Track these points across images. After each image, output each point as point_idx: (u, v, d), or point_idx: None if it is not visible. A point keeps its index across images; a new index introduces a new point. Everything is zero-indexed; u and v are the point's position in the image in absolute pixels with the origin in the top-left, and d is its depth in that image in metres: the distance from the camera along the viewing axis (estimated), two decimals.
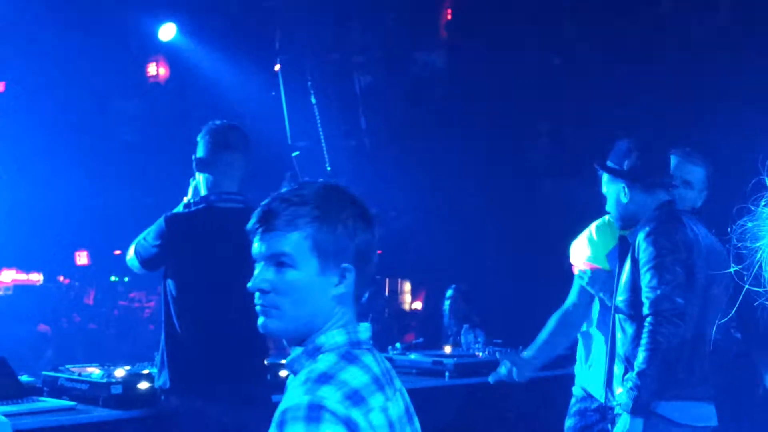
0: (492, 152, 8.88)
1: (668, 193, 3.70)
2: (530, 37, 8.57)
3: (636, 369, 3.42)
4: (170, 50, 10.24)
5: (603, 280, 4.05)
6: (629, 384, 3.43)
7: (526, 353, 4.35)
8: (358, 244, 1.83)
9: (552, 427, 4.57)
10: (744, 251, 1.13)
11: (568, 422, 4.30)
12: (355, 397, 1.69)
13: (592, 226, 4.25)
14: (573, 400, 4.33)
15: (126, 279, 12.23)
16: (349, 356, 1.77)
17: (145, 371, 4.31)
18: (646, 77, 7.51)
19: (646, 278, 3.46)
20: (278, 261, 1.81)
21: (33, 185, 10.28)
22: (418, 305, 11.24)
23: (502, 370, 4.31)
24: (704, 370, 3.51)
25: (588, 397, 4.24)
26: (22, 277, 12.76)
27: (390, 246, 8.15)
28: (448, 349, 6.12)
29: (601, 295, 4.13)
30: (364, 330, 1.84)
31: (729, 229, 1.13)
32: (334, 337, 1.80)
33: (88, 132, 10.70)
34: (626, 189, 3.71)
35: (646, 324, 3.42)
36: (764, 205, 1.14)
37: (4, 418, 3.11)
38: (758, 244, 1.13)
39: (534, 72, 8.55)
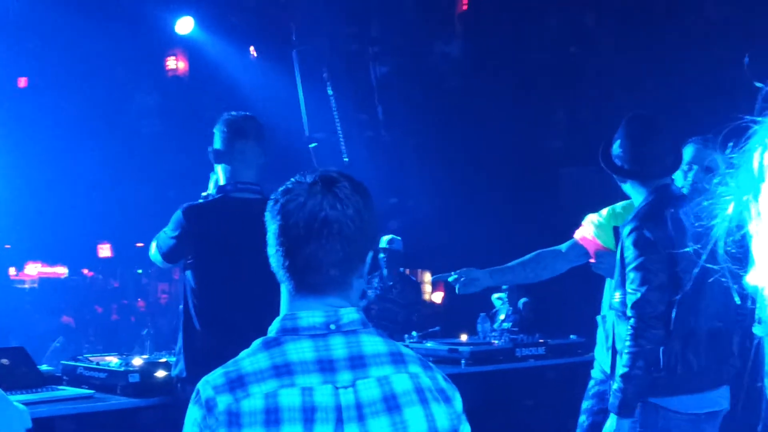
0: (509, 141, 8.87)
1: (667, 177, 3.68)
2: (546, 26, 8.56)
3: (619, 371, 3.46)
4: (188, 44, 10.30)
5: (610, 263, 4.04)
6: (615, 386, 3.47)
7: (483, 270, 4.39)
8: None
9: (569, 414, 4.58)
10: (701, 229, 1.17)
11: (585, 404, 4.29)
12: (235, 382, 1.72)
13: (615, 206, 4.22)
14: (592, 382, 4.32)
15: (150, 271, 12.35)
16: (269, 343, 1.78)
17: (162, 360, 4.37)
18: (663, 64, 7.48)
19: (629, 278, 3.48)
20: None
21: (55, 179, 10.39)
22: (438, 296, 11.27)
23: (451, 278, 4.36)
24: (701, 360, 3.49)
25: (608, 380, 4.24)
26: (48, 270, 12.94)
27: (409, 236, 8.22)
28: (464, 337, 6.15)
29: (607, 278, 4.13)
30: (307, 317, 1.80)
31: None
32: (272, 324, 1.83)
33: (109, 126, 10.80)
34: (620, 178, 3.74)
35: (628, 326, 3.44)
36: (717, 183, 1.17)
37: (22, 406, 3.16)
38: (714, 222, 1.16)
39: (550, 61, 8.53)
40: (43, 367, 4.43)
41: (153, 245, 4.22)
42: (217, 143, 4.15)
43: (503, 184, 8.86)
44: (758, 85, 1.18)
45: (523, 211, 8.64)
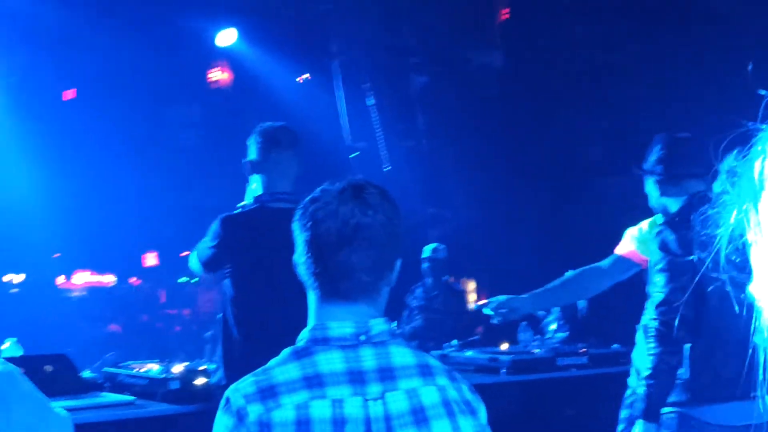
0: (550, 150, 8.83)
1: (702, 183, 3.65)
2: (586, 35, 8.51)
3: (643, 374, 3.43)
4: (232, 56, 10.41)
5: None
6: (640, 390, 3.44)
7: (522, 297, 4.32)
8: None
9: (612, 424, 4.53)
10: (704, 238, 1.17)
11: (623, 413, 4.25)
12: (266, 392, 1.73)
13: (656, 217, 4.18)
14: (629, 391, 4.28)
15: (195, 280, 12.43)
16: (299, 353, 1.80)
17: (202, 368, 4.42)
18: (705, 71, 7.41)
19: (653, 281, 3.46)
20: None
21: (101, 188, 10.53)
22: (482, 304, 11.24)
23: (486, 309, 4.30)
24: (731, 369, 3.44)
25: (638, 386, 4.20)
26: (95, 278, 13.10)
27: (449, 245, 8.21)
28: (504, 346, 6.13)
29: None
30: (337, 327, 1.81)
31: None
32: (302, 333, 1.85)
33: (153, 136, 10.95)
34: (656, 184, 3.72)
35: (650, 328, 3.42)
36: (722, 192, 1.17)
37: (64, 411, 3.22)
38: (718, 231, 1.16)
39: (589, 70, 8.48)
40: (86, 374, 4.50)
41: (193, 255, 4.29)
42: (253, 154, 4.20)
43: (544, 193, 8.83)
44: (762, 92, 1.19)
45: (563, 219, 8.59)
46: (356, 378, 1.76)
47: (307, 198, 1.86)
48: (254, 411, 1.71)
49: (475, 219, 9.17)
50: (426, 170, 9.43)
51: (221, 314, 4.23)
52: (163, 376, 4.27)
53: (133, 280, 13.11)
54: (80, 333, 10.29)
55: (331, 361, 1.77)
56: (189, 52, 10.14)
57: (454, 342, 6.13)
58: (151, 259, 12.63)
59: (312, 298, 1.86)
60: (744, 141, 1.17)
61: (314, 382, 1.74)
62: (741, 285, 1.15)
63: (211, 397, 4.21)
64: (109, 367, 4.63)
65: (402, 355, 1.82)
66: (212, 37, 9.53)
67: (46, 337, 8.20)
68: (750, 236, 1.12)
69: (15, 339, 4.57)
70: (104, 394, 4.27)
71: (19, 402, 3.46)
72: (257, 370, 1.80)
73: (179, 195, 10.81)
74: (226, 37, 9.51)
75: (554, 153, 8.83)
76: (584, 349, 5.93)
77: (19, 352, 4.50)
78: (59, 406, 3.52)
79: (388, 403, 1.76)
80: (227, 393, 1.78)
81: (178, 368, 4.40)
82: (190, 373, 4.30)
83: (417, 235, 8.38)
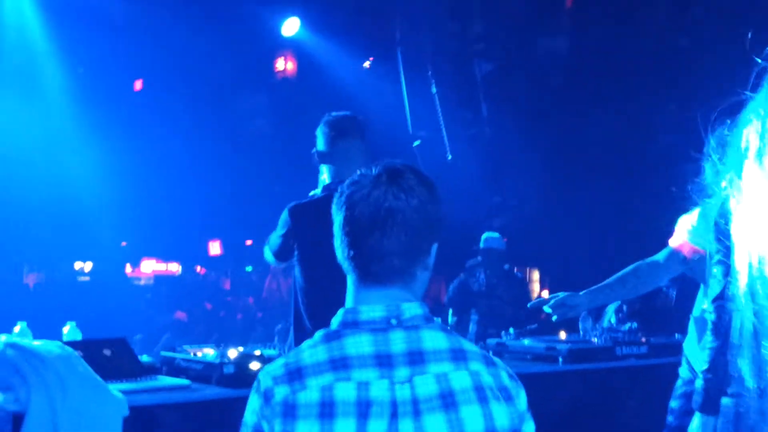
0: (617, 136, 8.67)
1: None
2: (655, 19, 8.33)
3: (701, 367, 3.36)
4: (297, 45, 10.45)
5: (703, 267, 3.91)
6: (698, 383, 3.38)
7: (580, 294, 4.23)
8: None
9: None
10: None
11: (673, 404, 4.18)
12: (294, 374, 1.75)
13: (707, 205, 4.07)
14: (679, 381, 4.20)
15: (259, 269, 12.55)
16: (330, 336, 1.79)
17: (257, 352, 4.44)
18: None
19: (711, 272, 3.38)
20: None
21: (168, 178, 10.68)
22: (546, 293, 11.14)
23: (546, 307, 4.22)
24: None
25: (695, 379, 4.12)
26: (162, 267, 13.33)
27: (513, 234, 8.12)
28: (562, 335, 6.05)
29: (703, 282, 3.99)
30: (367, 311, 1.81)
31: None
32: (335, 317, 1.84)
33: (219, 126, 11.06)
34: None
35: (707, 321, 3.34)
36: (713, 162, 1.14)
37: (120, 394, 3.28)
38: (710, 201, 1.15)
39: (660, 54, 8.30)
40: (144, 358, 4.55)
41: (266, 245, 4.35)
42: (321, 144, 4.22)
43: (611, 181, 8.67)
44: (758, 60, 1.15)
45: (632, 208, 8.44)
46: (384, 361, 1.76)
47: (347, 182, 1.87)
48: (280, 392, 1.74)
49: (540, 208, 9.06)
50: (490, 159, 9.35)
51: (293, 303, 4.27)
52: (219, 360, 4.30)
53: (198, 268, 13.30)
54: (147, 320, 10.47)
55: (359, 344, 1.77)
56: (255, 42, 10.20)
57: (511, 330, 6.07)
58: (214, 248, 12.80)
59: (349, 281, 1.86)
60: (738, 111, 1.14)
61: (340, 364, 1.75)
62: (726, 252, 1.14)
63: None
64: (165, 351, 4.68)
65: (434, 340, 1.81)
66: (278, 27, 9.57)
67: (114, 323, 8.36)
68: (731, 206, 1.10)
69: (74, 323, 4.63)
70: (160, 377, 4.31)
71: (76, 384, 3.52)
72: (290, 353, 1.82)
73: (244, 184, 10.91)
74: (291, 27, 9.54)
75: (622, 140, 8.67)
76: (644, 339, 5.82)
77: (78, 336, 4.57)
78: (116, 388, 3.58)
79: (415, 387, 1.75)
80: (259, 375, 1.80)
81: (233, 353, 4.43)
82: (245, 358, 4.31)
83: (482, 224, 8.32)
